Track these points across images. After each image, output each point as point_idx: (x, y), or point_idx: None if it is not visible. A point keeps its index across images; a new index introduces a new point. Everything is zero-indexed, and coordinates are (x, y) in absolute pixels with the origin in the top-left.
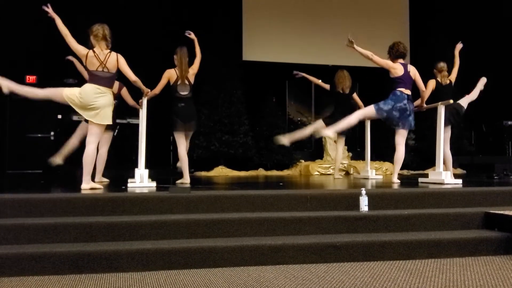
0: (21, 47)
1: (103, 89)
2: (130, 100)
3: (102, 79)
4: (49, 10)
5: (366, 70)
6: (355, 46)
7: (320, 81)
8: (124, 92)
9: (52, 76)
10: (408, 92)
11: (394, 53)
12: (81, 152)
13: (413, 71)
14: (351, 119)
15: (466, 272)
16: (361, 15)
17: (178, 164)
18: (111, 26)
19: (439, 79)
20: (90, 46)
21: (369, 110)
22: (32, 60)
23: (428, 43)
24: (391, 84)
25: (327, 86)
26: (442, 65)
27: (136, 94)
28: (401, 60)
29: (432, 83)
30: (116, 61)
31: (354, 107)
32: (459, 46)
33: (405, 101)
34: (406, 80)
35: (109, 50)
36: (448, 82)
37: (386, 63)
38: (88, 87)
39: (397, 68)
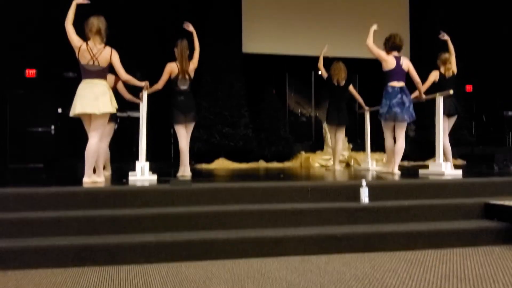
0: (20, 41)
1: (96, 81)
2: (126, 95)
3: (93, 72)
4: None
5: (366, 61)
6: (372, 27)
7: (323, 68)
8: (120, 86)
9: (52, 69)
10: (401, 84)
11: (390, 45)
12: (83, 146)
13: (406, 63)
14: (387, 140)
15: (466, 261)
16: (361, 7)
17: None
18: (109, 18)
19: (442, 71)
20: (86, 39)
21: (384, 125)
22: (31, 54)
23: (427, 32)
24: (384, 78)
25: (325, 75)
26: (446, 56)
27: (137, 87)
28: (395, 53)
29: (434, 74)
30: (110, 56)
31: (350, 100)
32: (445, 36)
33: (399, 95)
34: (398, 72)
35: (103, 45)
36: (451, 74)
37: (379, 54)
38: (79, 90)
39: (388, 61)
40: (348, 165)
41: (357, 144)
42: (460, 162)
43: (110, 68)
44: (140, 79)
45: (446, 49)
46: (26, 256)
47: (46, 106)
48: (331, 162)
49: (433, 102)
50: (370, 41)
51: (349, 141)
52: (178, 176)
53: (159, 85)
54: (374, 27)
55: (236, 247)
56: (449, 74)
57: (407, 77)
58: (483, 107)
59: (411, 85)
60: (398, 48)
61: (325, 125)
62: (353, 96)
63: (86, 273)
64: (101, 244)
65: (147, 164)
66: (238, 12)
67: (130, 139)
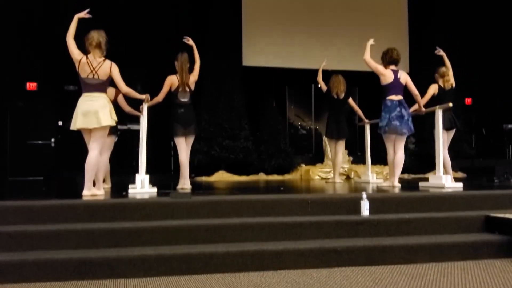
0: (21, 54)
1: (96, 95)
2: (126, 107)
3: (93, 85)
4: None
5: (365, 74)
6: (369, 42)
7: (322, 82)
8: (120, 99)
9: (53, 82)
10: (399, 98)
11: (387, 59)
12: (83, 159)
13: (404, 77)
14: (389, 154)
15: (467, 275)
16: (360, 20)
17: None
18: (110, 32)
19: (441, 84)
20: (86, 52)
21: (385, 138)
22: (32, 67)
23: (426, 46)
24: (382, 92)
25: (324, 88)
26: (445, 70)
27: (137, 100)
28: (393, 67)
29: (433, 87)
30: (109, 69)
31: (350, 112)
32: (440, 52)
33: (398, 108)
34: (396, 86)
35: (103, 58)
36: (450, 86)
37: (377, 68)
38: (79, 104)
39: (386, 75)
40: (348, 177)
41: (357, 156)
42: (460, 175)
43: (111, 81)
44: (141, 91)
45: (444, 63)
46: (25, 269)
47: (47, 118)
48: (331, 175)
49: (432, 115)
50: (367, 55)
51: (349, 154)
52: (178, 189)
53: (160, 97)
54: (371, 41)
55: (235, 261)
56: (448, 86)
57: (405, 91)
58: (483, 120)
59: (410, 99)
60: (395, 62)
61: (325, 138)
62: (352, 108)
63: (85, 286)
64: (100, 258)
65: (147, 177)
66: (238, 26)
67: (130, 151)
